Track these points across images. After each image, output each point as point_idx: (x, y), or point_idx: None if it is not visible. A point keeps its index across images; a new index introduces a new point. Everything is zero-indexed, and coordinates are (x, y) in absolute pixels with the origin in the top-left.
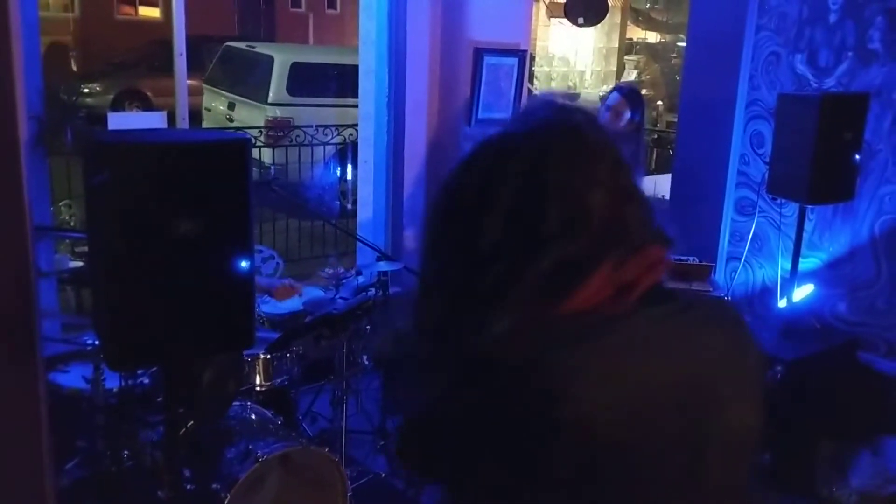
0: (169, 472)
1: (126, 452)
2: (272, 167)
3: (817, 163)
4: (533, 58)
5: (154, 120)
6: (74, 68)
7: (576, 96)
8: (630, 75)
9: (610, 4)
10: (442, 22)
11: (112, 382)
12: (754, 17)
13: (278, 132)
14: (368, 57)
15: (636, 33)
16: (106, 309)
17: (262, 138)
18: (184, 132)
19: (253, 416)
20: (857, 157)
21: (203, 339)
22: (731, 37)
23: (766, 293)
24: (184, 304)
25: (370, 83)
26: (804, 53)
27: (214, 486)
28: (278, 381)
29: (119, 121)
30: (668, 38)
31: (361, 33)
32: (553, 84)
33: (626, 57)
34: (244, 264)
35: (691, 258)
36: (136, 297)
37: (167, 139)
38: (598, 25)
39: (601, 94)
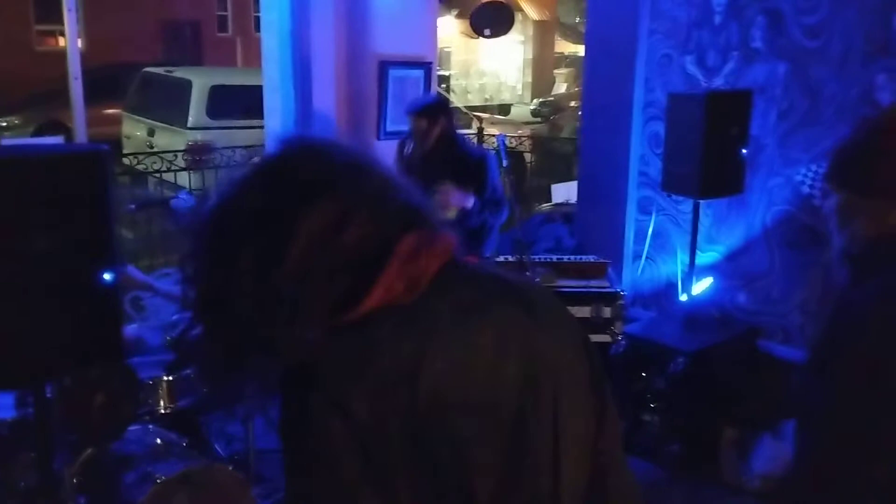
0: (51, 501)
1: (22, 484)
2: (181, 193)
3: (706, 159)
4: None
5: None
6: None
7: (509, 107)
8: (560, 88)
9: (530, 17)
10: (346, 36)
11: (6, 413)
12: (647, 21)
13: (196, 156)
14: (273, 74)
15: (566, 47)
16: None
17: (178, 162)
18: (41, 146)
19: (157, 441)
20: (745, 151)
21: (70, 354)
22: (626, 41)
23: (669, 288)
24: (47, 320)
25: (276, 100)
26: (693, 55)
27: None
28: (182, 402)
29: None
30: None
31: (264, 50)
32: (469, 97)
33: (555, 70)
34: (107, 277)
35: (589, 257)
36: None
37: (19, 153)
38: (529, 39)
39: (532, 107)
